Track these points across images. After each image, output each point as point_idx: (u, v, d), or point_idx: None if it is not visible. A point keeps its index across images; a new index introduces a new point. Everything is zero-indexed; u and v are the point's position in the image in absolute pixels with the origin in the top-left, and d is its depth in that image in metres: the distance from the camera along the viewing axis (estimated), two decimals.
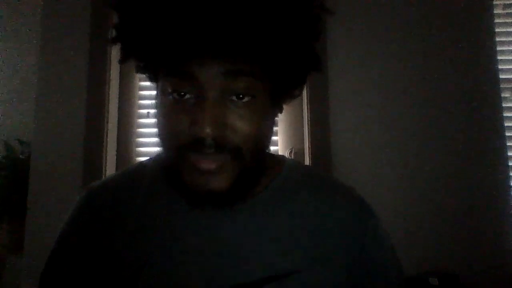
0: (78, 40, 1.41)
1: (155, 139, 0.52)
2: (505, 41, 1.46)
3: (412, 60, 1.40)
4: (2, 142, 1.61)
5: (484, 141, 1.36)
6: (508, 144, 1.38)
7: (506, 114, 1.39)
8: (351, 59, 1.41)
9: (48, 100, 1.39)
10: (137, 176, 0.59)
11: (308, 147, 1.38)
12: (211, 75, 0.44)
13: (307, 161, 1.38)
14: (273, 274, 0.49)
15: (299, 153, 1.42)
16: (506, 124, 1.38)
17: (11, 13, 1.81)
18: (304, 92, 1.37)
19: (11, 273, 1.51)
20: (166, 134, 0.48)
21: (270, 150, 0.61)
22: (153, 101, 0.51)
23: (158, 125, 0.50)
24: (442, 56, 1.40)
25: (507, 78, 1.43)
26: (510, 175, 1.36)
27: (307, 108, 1.40)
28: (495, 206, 1.32)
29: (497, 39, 1.42)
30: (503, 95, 1.40)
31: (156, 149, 0.62)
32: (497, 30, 1.43)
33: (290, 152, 1.42)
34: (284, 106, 0.56)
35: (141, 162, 0.63)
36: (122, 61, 0.49)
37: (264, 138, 0.50)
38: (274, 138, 1.41)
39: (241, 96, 0.45)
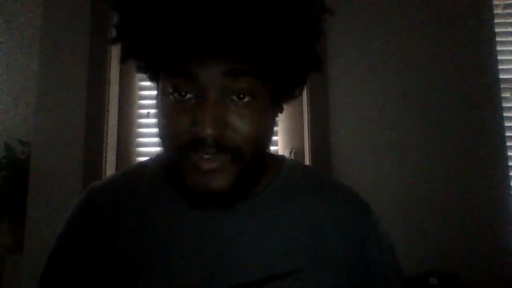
0: (78, 40, 1.41)
1: (155, 139, 0.52)
2: (505, 41, 1.46)
3: (412, 60, 1.40)
4: (2, 142, 1.61)
5: (484, 141, 1.36)
6: (508, 144, 1.38)
7: (506, 114, 1.39)
8: (351, 59, 1.41)
9: (48, 100, 1.39)
10: (137, 176, 0.59)
11: (308, 147, 1.38)
12: (212, 75, 0.44)
13: (307, 161, 1.38)
14: (273, 274, 0.49)
15: (299, 153, 1.42)
16: (506, 124, 1.38)
17: (11, 13, 1.81)
18: (304, 92, 1.37)
19: (11, 273, 1.51)
20: (167, 134, 0.48)
21: (270, 150, 0.61)
22: (153, 101, 0.51)
23: (159, 125, 0.50)
24: (442, 56, 1.40)
25: (507, 78, 1.44)
26: (510, 175, 1.36)
27: (307, 108, 1.40)
28: (495, 206, 1.32)
29: (497, 39, 1.42)
30: (503, 95, 1.40)
31: (156, 149, 0.62)
32: (497, 30, 1.43)
33: (290, 152, 1.42)
34: (284, 106, 0.56)
35: (141, 162, 0.63)
36: (122, 60, 0.49)
37: (265, 138, 0.50)
38: (274, 138, 1.40)
39: (241, 96, 0.45)
